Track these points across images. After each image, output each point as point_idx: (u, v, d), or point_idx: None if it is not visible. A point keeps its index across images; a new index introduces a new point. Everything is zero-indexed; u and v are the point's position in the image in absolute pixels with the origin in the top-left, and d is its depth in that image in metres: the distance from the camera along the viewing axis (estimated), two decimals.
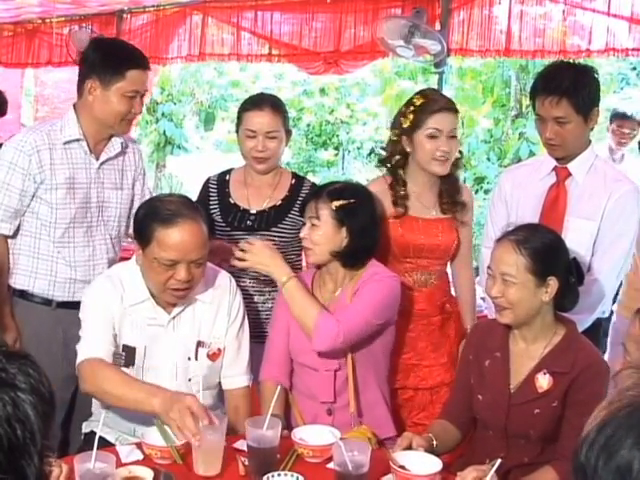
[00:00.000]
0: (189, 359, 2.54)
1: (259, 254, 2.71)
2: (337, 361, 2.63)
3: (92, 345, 2.45)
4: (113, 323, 2.49)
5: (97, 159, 2.95)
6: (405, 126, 2.94)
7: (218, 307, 2.59)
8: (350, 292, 2.64)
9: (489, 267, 2.40)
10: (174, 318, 2.53)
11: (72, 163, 2.89)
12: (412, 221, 2.98)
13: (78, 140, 2.90)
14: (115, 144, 2.99)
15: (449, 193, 3.01)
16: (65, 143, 2.88)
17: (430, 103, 2.94)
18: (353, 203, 2.62)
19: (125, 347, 2.51)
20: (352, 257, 2.66)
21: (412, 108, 2.94)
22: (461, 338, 3.03)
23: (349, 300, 2.62)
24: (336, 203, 2.61)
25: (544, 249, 2.33)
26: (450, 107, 2.94)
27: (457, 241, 3.04)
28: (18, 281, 2.95)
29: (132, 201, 3.09)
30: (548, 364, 2.35)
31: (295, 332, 2.67)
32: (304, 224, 2.70)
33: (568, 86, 2.79)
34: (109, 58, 2.86)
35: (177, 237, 2.36)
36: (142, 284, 2.50)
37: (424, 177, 2.98)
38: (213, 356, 2.57)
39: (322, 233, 2.62)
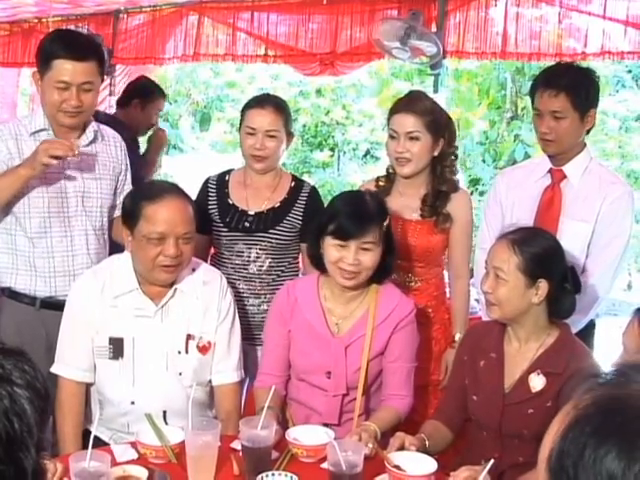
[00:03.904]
0: (179, 353, 2.56)
1: None
2: (347, 388, 2.58)
3: (69, 361, 2.58)
4: (91, 327, 2.54)
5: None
6: (386, 126, 3.08)
7: (208, 303, 2.61)
8: (371, 317, 2.56)
9: (486, 261, 2.45)
10: (162, 308, 2.55)
11: None
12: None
13: (45, 130, 2.88)
14: (88, 133, 2.95)
15: (430, 201, 3.00)
16: (33, 134, 2.87)
17: (395, 104, 3.06)
18: (390, 218, 2.58)
19: (112, 339, 2.53)
20: (384, 272, 2.60)
21: (389, 110, 3.08)
22: (444, 346, 3.05)
23: (371, 326, 2.55)
24: (385, 223, 2.53)
25: (539, 252, 2.37)
26: (408, 109, 2.95)
27: (439, 246, 3.02)
28: (1, 279, 2.94)
29: (115, 193, 3.04)
30: (542, 365, 2.37)
31: (306, 352, 2.60)
32: (340, 246, 2.47)
33: (568, 82, 2.85)
34: (40, 49, 2.85)
35: (164, 210, 2.46)
36: (131, 274, 2.56)
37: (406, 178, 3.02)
38: (203, 349, 2.59)
39: (374, 257, 2.49)
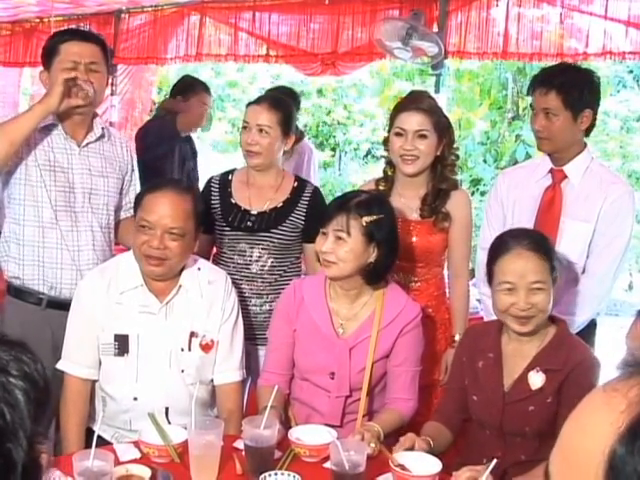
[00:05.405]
0: (182, 350, 2.58)
1: None
2: (350, 389, 2.58)
3: (75, 358, 2.59)
4: (97, 324, 2.56)
5: (79, 145, 2.94)
6: (387, 125, 3.07)
7: (212, 302, 2.63)
8: (377, 319, 2.55)
9: (506, 282, 2.35)
10: (166, 305, 2.57)
11: (52, 147, 2.89)
12: None
13: (54, 124, 2.90)
14: (96, 129, 2.99)
15: (430, 200, 3.00)
16: (42, 129, 2.88)
17: (402, 102, 3.05)
18: (382, 218, 2.52)
19: (117, 336, 2.55)
20: (378, 273, 2.57)
21: (392, 108, 3.07)
22: (444, 346, 3.05)
23: (376, 328, 2.55)
24: (367, 219, 2.48)
25: (550, 249, 2.40)
26: (417, 107, 2.94)
27: (439, 246, 3.02)
28: (9, 268, 2.95)
29: (121, 193, 3.07)
30: (541, 362, 2.37)
31: (311, 352, 2.60)
32: (322, 234, 2.53)
33: (561, 81, 2.87)
34: (45, 46, 2.94)
35: (157, 201, 2.53)
36: (137, 270, 2.58)
37: (406, 177, 3.01)
38: (206, 347, 2.60)
39: (350, 249, 2.48)
